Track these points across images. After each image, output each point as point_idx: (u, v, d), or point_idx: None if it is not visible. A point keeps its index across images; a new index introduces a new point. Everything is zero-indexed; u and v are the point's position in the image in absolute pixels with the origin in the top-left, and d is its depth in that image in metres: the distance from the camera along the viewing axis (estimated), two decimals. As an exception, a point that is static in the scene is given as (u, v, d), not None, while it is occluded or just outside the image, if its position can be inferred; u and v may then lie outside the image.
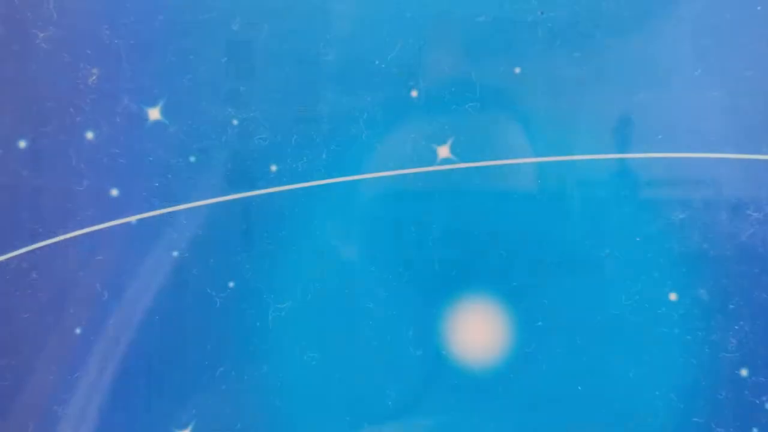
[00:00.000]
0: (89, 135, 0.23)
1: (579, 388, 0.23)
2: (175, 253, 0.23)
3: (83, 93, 0.23)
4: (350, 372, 0.23)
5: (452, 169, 0.23)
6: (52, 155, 0.23)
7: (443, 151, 0.23)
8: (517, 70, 0.22)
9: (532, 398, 0.23)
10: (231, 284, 0.23)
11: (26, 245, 0.23)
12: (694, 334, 0.23)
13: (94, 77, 0.23)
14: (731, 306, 0.23)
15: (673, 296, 0.23)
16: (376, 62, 0.23)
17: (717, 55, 0.22)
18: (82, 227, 0.23)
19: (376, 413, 0.23)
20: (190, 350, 0.23)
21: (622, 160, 0.23)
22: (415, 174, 0.23)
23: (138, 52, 0.23)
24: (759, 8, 0.22)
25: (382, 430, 0.23)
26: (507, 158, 0.23)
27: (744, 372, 0.23)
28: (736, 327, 0.23)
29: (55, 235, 0.23)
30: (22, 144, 0.24)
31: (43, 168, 0.23)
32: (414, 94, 0.23)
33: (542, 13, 0.22)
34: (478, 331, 0.23)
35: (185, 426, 0.23)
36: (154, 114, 0.23)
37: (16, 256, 0.23)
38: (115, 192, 0.23)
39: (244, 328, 0.23)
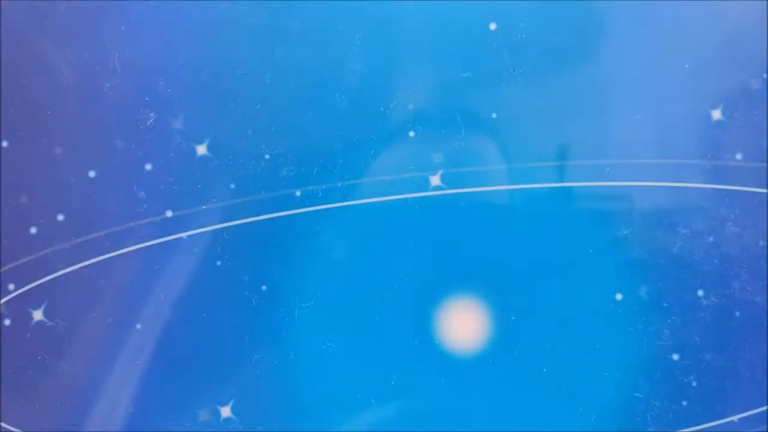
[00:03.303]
0: (148, 166, 0.28)
1: (544, 370, 0.27)
2: (219, 263, 0.28)
3: (143, 132, 0.27)
4: (360, 357, 0.28)
5: (442, 195, 0.28)
6: (117, 183, 0.28)
7: (435, 180, 0.28)
8: (494, 115, 0.27)
9: (506, 378, 0.27)
10: (264, 287, 0.28)
11: (96, 257, 0.28)
12: (635, 326, 0.27)
13: (151, 120, 0.28)
14: (665, 304, 0.27)
15: (618, 296, 0.27)
16: (381, 109, 0.27)
17: (652, 99, 0.27)
18: (143, 242, 0.28)
19: (381, 390, 0.27)
20: (231, 340, 0.28)
21: (579, 187, 0.28)
22: (412, 198, 0.28)
23: (187, 99, 0.27)
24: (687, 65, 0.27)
25: (385, 405, 0.28)
26: (486, 186, 0.28)
27: (675, 356, 0.28)
28: (669, 321, 0.27)
29: (120, 248, 0.28)
30: (92, 174, 0.28)
31: (110, 193, 0.28)
32: (411, 134, 0.27)
33: (514, 70, 0.27)
34: (463, 325, 0.27)
35: (226, 403, 0.28)
36: (201, 150, 0.27)
37: (87, 265, 0.28)
38: (169, 213, 0.28)
39: (275, 322, 0.28)
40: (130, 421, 0.27)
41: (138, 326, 0.27)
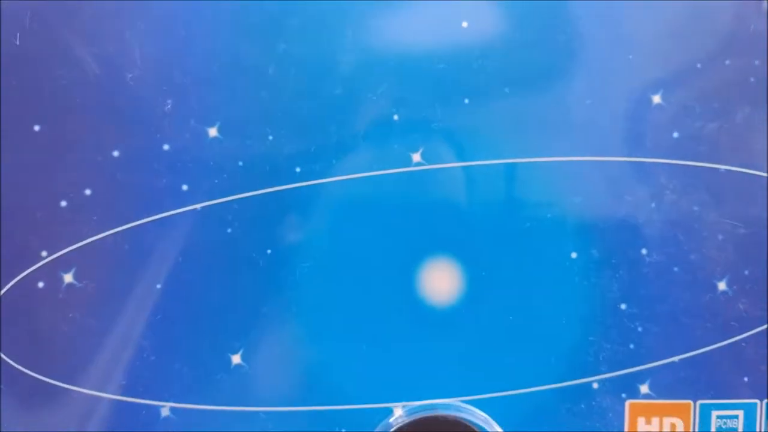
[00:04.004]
0: (165, 147, 0.31)
1: (510, 318, 0.32)
2: (229, 230, 0.31)
3: (160, 117, 0.31)
4: (352, 309, 0.31)
5: (422, 170, 0.32)
6: (139, 162, 0.31)
7: (416, 157, 0.31)
8: (466, 101, 0.31)
9: (478, 325, 0.31)
10: (269, 251, 0.31)
11: (120, 226, 0.31)
12: (588, 280, 0.32)
13: (168, 106, 0.31)
14: (613, 261, 0.32)
15: (574, 255, 0.31)
16: (370, 95, 0.31)
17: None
18: (161, 212, 0.31)
19: (370, 338, 0.31)
20: (241, 297, 0.31)
21: (540, 162, 0.32)
22: (397, 173, 0.31)
23: (200, 88, 0.31)
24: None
25: (375, 351, 0.32)
26: (460, 162, 0.32)
27: (623, 306, 0.32)
28: (617, 275, 0.32)
29: (142, 218, 0.31)
30: (116, 153, 0.31)
31: (132, 171, 0.31)
32: (395, 117, 0.31)
33: (483, 61, 0.31)
34: (441, 281, 0.31)
35: (237, 351, 0.31)
36: (213, 132, 0.31)
37: (112, 233, 0.31)
38: (185, 187, 0.31)
39: (279, 281, 0.31)
40: (152, 368, 0.31)
41: (158, 286, 0.31)
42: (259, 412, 0.31)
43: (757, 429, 0.32)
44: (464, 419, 0.31)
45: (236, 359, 0.31)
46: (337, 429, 0.31)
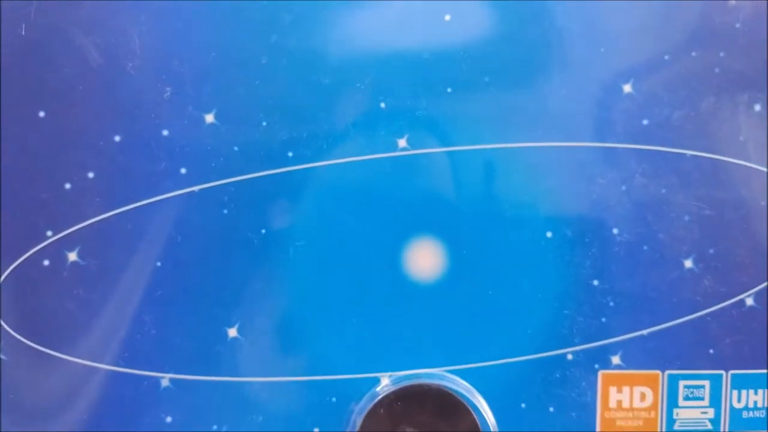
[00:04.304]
0: (165, 132, 0.32)
1: (490, 293, 0.33)
2: (225, 211, 0.32)
3: (160, 104, 0.32)
4: (342, 286, 0.33)
5: (408, 154, 0.33)
6: (139, 146, 0.32)
7: (402, 143, 0.33)
8: (449, 89, 0.33)
9: (460, 299, 0.33)
10: (263, 231, 0.33)
11: (122, 207, 0.33)
12: (563, 258, 0.33)
13: (167, 93, 0.32)
14: (586, 240, 0.33)
15: (549, 234, 0.33)
16: (358, 84, 0.33)
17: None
18: (161, 194, 0.32)
19: (359, 313, 0.33)
20: (237, 274, 0.33)
21: (518, 147, 0.34)
22: (384, 157, 0.33)
23: (197, 77, 0.32)
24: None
25: (363, 325, 0.33)
26: (443, 147, 0.33)
27: (595, 282, 0.33)
28: (590, 253, 0.33)
29: (143, 200, 0.33)
30: (117, 138, 0.32)
31: (133, 155, 0.32)
32: (382, 105, 0.33)
33: (464, 53, 0.33)
34: (425, 258, 0.33)
35: (233, 325, 0.33)
36: (209, 118, 0.32)
37: (114, 214, 0.33)
38: (183, 170, 0.32)
39: (273, 259, 0.33)
40: (153, 341, 0.32)
41: (158, 264, 0.32)
42: (254, 383, 0.33)
43: (723, 398, 0.34)
44: (447, 387, 0.33)
45: (232, 332, 0.33)
46: (327, 398, 0.33)
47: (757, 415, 0.34)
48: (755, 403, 0.34)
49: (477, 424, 0.32)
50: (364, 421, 0.32)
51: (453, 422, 0.32)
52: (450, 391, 0.33)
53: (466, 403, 0.32)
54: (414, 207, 0.33)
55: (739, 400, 0.34)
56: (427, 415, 0.32)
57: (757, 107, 0.34)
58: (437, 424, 0.32)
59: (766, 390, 0.34)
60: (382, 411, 0.32)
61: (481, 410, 0.33)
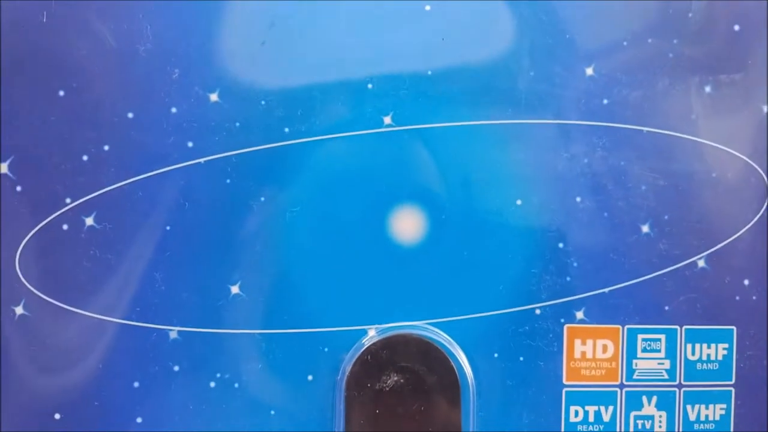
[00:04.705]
0: (173, 110, 0.34)
1: (466, 254, 0.35)
2: (228, 180, 0.35)
3: (169, 84, 0.34)
4: (333, 248, 0.35)
5: (392, 130, 0.36)
6: (150, 122, 0.35)
7: (387, 120, 0.35)
8: (429, 72, 0.36)
9: (439, 260, 0.35)
10: (262, 198, 0.35)
11: (135, 177, 0.35)
12: (531, 222, 0.35)
13: (175, 74, 0.35)
14: (552, 207, 0.36)
15: (519, 202, 0.35)
16: (348, 68, 0.35)
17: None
18: (170, 165, 0.35)
19: (349, 272, 0.35)
20: (239, 237, 0.35)
21: (492, 125, 0.37)
22: (371, 133, 0.35)
23: (203, 60, 0.35)
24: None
25: (353, 282, 0.35)
26: (424, 124, 0.36)
27: (561, 245, 0.36)
28: (555, 219, 0.35)
29: (153, 170, 0.35)
30: (130, 115, 0.34)
31: (144, 130, 0.35)
32: (370, 86, 0.35)
33: (443, 39, 0.36)
34: (408, 223, 0.35)
35: (235, 283, 0.35)
36: (213, 97, 0.34)
37: (128, 183, 0.36)
38: (190, 144, 0.35)
39: (271, 223, 0.35)
40: (162, 297, 0.35)
41: (167, 228, 0.35)
42: (255, 334, 0.35)
43: (678, 351, 0.37)
44: (428, 338, 0.35)
45: (235, 289, 0.35)
46: (320, 348, 0.35)
47: (710, 367, 0.37)
48: (708, 356, 0.37)
49: (454, 370, 0.35)
50: (353, 368, 0.34)
51: (433, 368, 0.35)
52: (430, 341, 0.35)
53: (444, 352, 0.35)
54: (397, 177, 0.36)
55: (693, 353, 0.37)
56: (410, 362, 0.35)
57: (708, 89, 0.37)
58: (419, 370, 0.35)
59: (717, 344, 0.37)
60: (369, 358, 0.34)
61: (458, 358, 0.35)
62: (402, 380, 0.35)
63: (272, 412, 0.35)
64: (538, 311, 0.36)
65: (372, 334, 0.36)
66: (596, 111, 0.37)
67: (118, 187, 0.35)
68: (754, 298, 0.37)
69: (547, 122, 0.36)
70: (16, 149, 0.35)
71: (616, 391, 0.37)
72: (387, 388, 0.35)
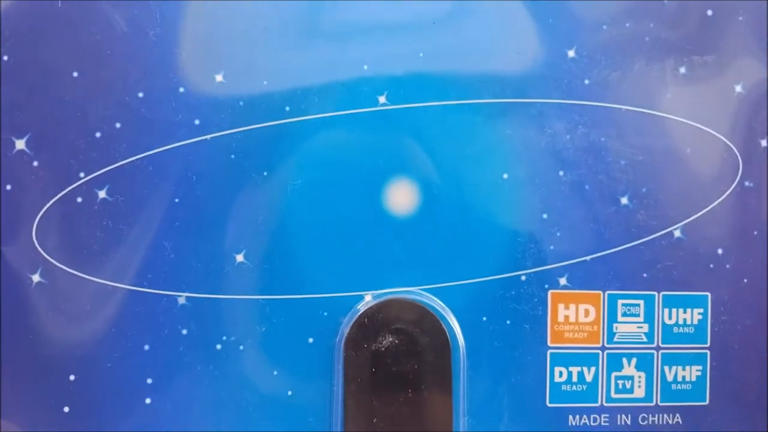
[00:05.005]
0: (181, 89, 0.36)
1: (456, 224, 0.38)
2: (233, 156, 0.37)
3: (176, 65, 0.36)
4: (332, 218, 0.37)
5: (386, 109, 0.38)
6: (159, 101, 0.36)
7: (382, 99, 0.37)
8: (421, 54, 0.38)
9: (432, 232, 0.37)
10: (265, 173, 0.37)
11: (145, 152, 0.37)
12: (517, 195, 0.37)
13: (183, 56, 0.37)
14: (536, 180, 0.38)
15: (505, 176, 0.37)
16: (345, 51, 0.37)
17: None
18: (178, 141, 0.36)
19: (347, 241, 0.37)
20: (243, 208, 0.36)
21: (479, 103, 0.39)
22: (366, 112, 0.37)
23: (209, 43, 0.37)
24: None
25: (351, 251, 0.37)
26: (416, 103, 0.38)
27: (545, 215, 0.38)
28: (539, 192, 0.37)
29: (162, 146, 0.36)
30: (141, 95, 0.36)
31: (154, 108, 0.36)
32: (365, 67, 0.37)
33: (434, 24, 0.39)
34: (402, 197, 0.37)
35: (240, 251, 0.36)
36: (219, 78, 0.36)
37: (139, 158, 0.37)
38: (197, 121, 0.36)
39: (273, 196, 0.37)
40: (171, 265, 0.36)
41: (176, 200, 0.36)
42: (258, 300, 0.37)
43: (656, 316, 0.39)
44: (421, 302, 0.37)
45: (239, 258, 0.36)
46: (320, 312, 0.37)
47: (686, 331, 0.39)
48: (684, 320, 0.39)
49: (445, 332, 0.37)
50: (350, 330, 0.36)
51: (425, 330, 0.37)
52: (423, 305, 0.37)
53: (436, 315, 0.37)
54: (392, 153, 0.38)
55: (670, 318, 0.39)
56: (404, 325, 0.36)
57: (682, 69, 0.40)
58: (412, 332, 0.37)
59: (693, 309, 0.39)
60: (365, 321, 0.36)
61: (449, 321, 0.37)
62: (396, 341, 0.37)
63: (275, 372, 0.37)
64: (523, 278, 0.38)
65: (368, 299, 0.37)
66: (578, 90, 0.39)
67: (129, 162, 0.37)
68: (727, 266, 0.40)
69: (532, 101, 0.39)
70: (33, 127, 0.37)
71: (598, 353, 0.39)
72: (382, 349, 0.36)
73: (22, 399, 0.37)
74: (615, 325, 0.39)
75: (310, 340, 0.37)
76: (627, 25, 0.39)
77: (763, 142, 0.40)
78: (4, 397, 0.37)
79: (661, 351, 0.39)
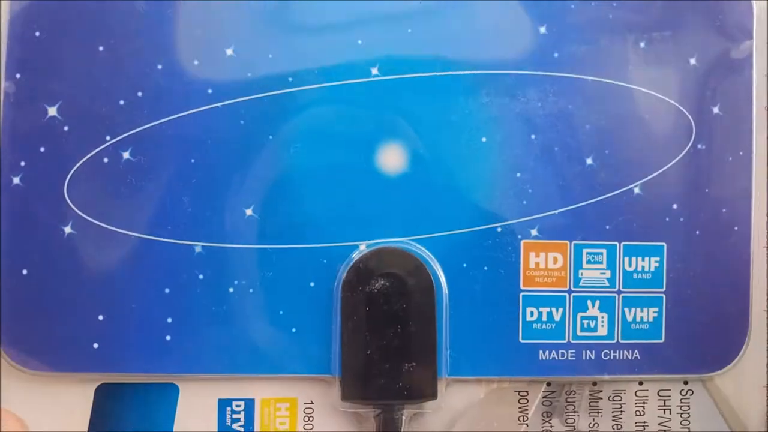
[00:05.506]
0: (195, 62, 0.41)
1: (439, 182, 0.41)
2: (242, 122, 0.41)
3: (192, 40, 0.41)
4: (331, 176, 0.41)
5: (378, 80, 0.42)
6: (177, 72, 0.41)
7: (374, 70, 0.41)
8: (409, 30, 0.42)
9: (420, 189, 0.41)
10: (270, 137, 0.41)
11: (163, 118, 0.41)
12: (495, 156, 0.42)
13: (198, 32, 0.41)
14: (511, 143, 0.42)
15: (484, 139, 0.42)
16: (342, 28, 0.41)
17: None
18: (193, 108, 0.41)
19: (345, 196, 0.41)
20: (251, 167, 0.40)
21: (459, 75, 0.44)
22: (360, 82, 0.42)
23: (220, 21, 0.41)
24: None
25: (348, 205, 0.41)
26: (405, 74, 0.42)
27: (518, 174, 0.42)
28: (513, 152, 0.42)
29: (179, 112, 0.41)
30: (159, 66, 0.41)
31: (172, 78, 0.41)
32: (359, 42, 0.42)
33: (420, 5, 0.43)
34: (393, 156, 0.41)
35: (249, 206, 0.41)
36: (229, 51, 0.41)
37: (157, 123, 0.41)
38: (210, 91, 0.41)
39: (278, 156, 0.41)
40: (188, 217, 0.40)
41: (192, 160, 0.41)
42: (265, 249, 0.41)
43: (617, 263, 0.43)
44: (409, 250, 0.41)
45: (249, 212, 0.41)
46: (320, 260, 0.41)
47: (644, 277, 0.43)
48: (642, 267, 0.43)
49: (430, 277, 0.41)
50: (347, 274, 0.41)
51: (412, 275, 0.41)
52: (411, 253, 0.41)
53: (422, 262, 0.41)
54: (383, 119, 0.42)
55: (629, 265, 0.43)
56: (394, 270, 0.41)
57: (642, 44, 0.44)
58: (401, 276, 0.41)
59: (650, 257, 0.44)
60: (360, 267, 0.41)
61: (434, 267, 0.41)
62: (387, 284, 0.40)
63: (281, 312, 0.42)
64: (499, 229, 0.42)
65: (363, 248, 0.42)
66: (548, 63, 0.43)
67: (149, 127, 0.41)
68: (681, 219, 0.44)
69: (508, 72, 0.43)
70: (63, 96, 0.41)
71: (565, 296, 0.43)
72: (375, 291, 0.40)
73: (57, 337, 0.41)
74: (580, 271, 0.43)
75: (312, 284, 0.42)
76: (593, 4, 0.43)
77: (715, 109, 0.45)
78: (40, 336, 0.41)
79: (621, 294, 0.44)
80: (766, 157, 0.45)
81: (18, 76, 0.41)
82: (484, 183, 0.43)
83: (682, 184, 0.44)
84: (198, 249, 0.41)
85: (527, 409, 0.44)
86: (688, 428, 0.45)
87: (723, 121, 0.44)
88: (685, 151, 0.44)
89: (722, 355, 0.44)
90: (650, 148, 0.44)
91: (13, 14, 0.41)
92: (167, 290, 0.41)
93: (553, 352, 0.43)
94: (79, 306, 0.41)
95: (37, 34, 0.41)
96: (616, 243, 0.43)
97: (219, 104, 0.42)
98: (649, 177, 0.44)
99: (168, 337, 0.41)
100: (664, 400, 0.45)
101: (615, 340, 0.44)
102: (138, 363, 0.41)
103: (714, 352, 0.44)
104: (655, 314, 0.44)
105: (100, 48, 0.41)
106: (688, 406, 0.45)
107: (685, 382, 0.45)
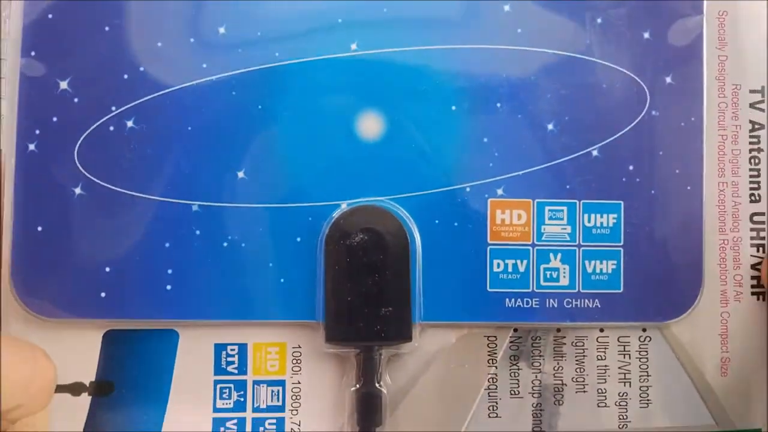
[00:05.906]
0: (192, 40, 0.44)
1: (413, 146, 0.46)
2: (234, 93, 0.44)
3: (188, 21, 0.45)
4: (315, 141, 0.45)
5: (359, 55, 0.45)
6: (183, 51, 0.45)
7: (354, 46, 0.45)
8: (385, 10, 0.46)
9: (396, 153, 0.45)
10: (260, 106, 0.44)
11: (164, 90, 0.45)
12: (463, 123, 0.45)
13: (193, 13, 0.46)
14: (479, 111, 0.46)
15: (453, 107, 0.45)
16: (323, 8, 0.46)
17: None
18: (190, 81, 0.44)
19: (328, 159, 0.45)
20: (243, 132, 0.44)
21: (435, 50, 0.48)
22: (341, 57, 0.45)
23: (214, 5, 0.47)
24: None
25: (331, 167, 0.45)
26: (382, 49, 0.46)
27: (485, 139, 0.45)
28: (481, 120, 0.46)
29: (178, 84, 0.44)
30: (160, 44, 0.44)
31: (178, 56, 0.45)
32: (339, 20, 0.45)
33: (407, -16, 0.47)
34: (373, 124, 0.45)
35: (241, 169, 0.44)
36: (222, 30, 0.44)
37: (159, 95, 0.46)
38: (204, 65, 0.44)
39: (268, 123, 0.44)
40: (187, 178, 0.44)
41: (189, 128, 0.44)
42: (257, 207, 0.44)
43: (577, 219, 0.46)
44: (386, 208, 0.44)
45: (241, 174, 0.44)
46: (306, 218, 0.44)
47: (603, 232, 0.46)
48: (601, 223, 0.46)
49: (405, 231, 0.44)
50: (330, 229, 0.44)
51: (389, 230, 0.44)
52: (387, 210, 0.44)
53: (398, 218, 0.44)
54: (362, 90, 0.45)
55: (589, 221, 0.46)
56: (372, 225, 0.44)
57: (599, 20, 0.48)
58: (378, 231, 0.44)
59: (608, 214, 0.47)
60: (342, 222, 0.44)
61: (408, 223, 0.45)
62: (366, 238, 0.44)
63: (270, 264, 0.46)
64: (468, 189, 0.45)
65: (344, 207, 0.45)
66: (512, 37, 0.47)
67: (151, 98, 0.45)
68: (637, 179, 0.47)
69: (476, 47, 0.47)
70: (73, 70, 0.45)
71: (529, 249, 0.46)
72: (355, 244, 0.44)
73: (68, 287, 0.45)
74: (543, 226, 0.46)
75: (298, 239, 0.45)
76: (557, -17, 0.47)
77: (668, 79, 0.48)
78: (53, 287, 0.45)
79: (582, 248, 0.47)
80: (716, 121, 0.49)
81: (33, 53, 0.45)
82: (454, 147, 0.46)
83: (637, 147, 0.47)
84: (195, 207, 0.45)
85: (496, 353, 0.48)
86: (647, 372, 0.49)
87: (675, 89, 0.48)
88: (640, 117, 0.48)
89: (678, 305, 0.47)
90: (607, 115, 0.47)
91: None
92: (167, 244, 0.45)
93: (519, 300, 0.47)
94: (88, 259, 0.44)
95: (50, 16, 0.45)
96: (576, 201, 0.46)
97: (213, 77, 0.46)
98: (607, 141, 0.47)
99: (168, 287, 0.45)
100: (624, 346, 0.49)
101: (576, 290, 0.47)
102: (141, 310, 0.45)
103: (670, 301, 0.47)
104: (614, 266, 0.47)
105: (106, 28, 0.45)
106: (647, 351, 0.48)
107: (644, 330, 0.48)
